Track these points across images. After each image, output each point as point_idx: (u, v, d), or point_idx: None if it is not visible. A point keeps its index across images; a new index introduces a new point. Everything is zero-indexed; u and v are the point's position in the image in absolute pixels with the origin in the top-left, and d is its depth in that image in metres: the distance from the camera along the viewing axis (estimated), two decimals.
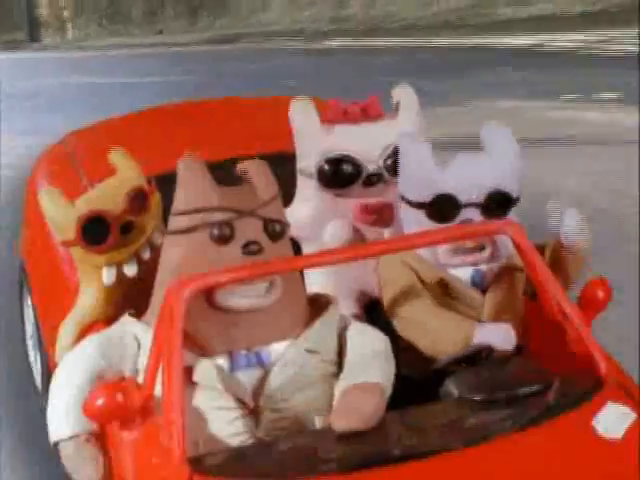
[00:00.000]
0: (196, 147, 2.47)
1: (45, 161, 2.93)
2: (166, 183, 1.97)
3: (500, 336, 1.89)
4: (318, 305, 1.86)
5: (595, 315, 1.98)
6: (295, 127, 2.19)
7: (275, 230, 1.79)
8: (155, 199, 2.05)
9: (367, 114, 2.21)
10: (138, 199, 2.00)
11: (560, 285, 1.85)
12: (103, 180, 2.07)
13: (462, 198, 1.92)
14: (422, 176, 1.96)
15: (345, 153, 2.15)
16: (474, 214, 1.92)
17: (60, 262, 2.33)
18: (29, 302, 2.77)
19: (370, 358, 1.79)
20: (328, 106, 2.23)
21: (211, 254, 1.74)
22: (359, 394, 1.70)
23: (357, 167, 2.16)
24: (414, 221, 1.97)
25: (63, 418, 1.78)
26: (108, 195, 1.99)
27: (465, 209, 1.92)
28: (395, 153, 2.13)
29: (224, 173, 1.84)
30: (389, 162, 2.16)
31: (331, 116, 2.20)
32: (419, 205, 1.96)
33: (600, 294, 1.98)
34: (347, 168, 2.16)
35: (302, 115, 2.18)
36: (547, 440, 1.64)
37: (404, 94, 2.28)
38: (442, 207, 1.93)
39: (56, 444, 1.79)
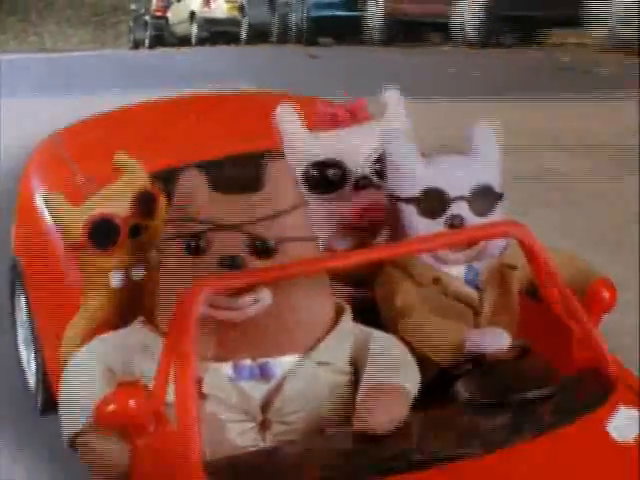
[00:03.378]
0: (194, 143, 2.47)
1: (38, 159, 2.89)
2: (160, 181, 1.95)
3: (490, 340, 1.87)
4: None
5: (600, 316, 1.98)
6: (282, 134, 2.12)
7: (265, 246, 1.71)
8: (162, 201, 2.02)
9: (356, 118, 2.17)
10: (145, 202, 1.98)
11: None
12: (98, 177, 2.05)
13: (450, 192, 1.92)
14: (409, 171, 1.95)
15: (331, 157, 2.10)
16: (462, 208, 1.92)
17: (58, 261, 2.31)
18: (22, 302, 2.73)
19: (396, 363, 1.76)
20: (316, 110, 2.17)
21: (186, 265, 1.71)
22: (387, 395, 1.66)
23: (344, 170, 2.10)
24: (406, 217, 1.96)
25: (79, 412, 1.72)
26: (115, 198, 1.97)
27: (453, 203, 1.92)
28: (383, 157, 2.08)
29: (229, 172, 1.81)
30: (378, 166, 2.11)
31: (319, 121, 2.15)
32: (408, 200, 1.95)
33: (605, 295, 1.98)
34: (334, 172, 2.11)
35: (287, 122, 2.11)
36: (565, 446, 1.63)
37: (391, 97, 2.23)
38: (431, 201, 1.93)
39: (72, 442, 1.73)
